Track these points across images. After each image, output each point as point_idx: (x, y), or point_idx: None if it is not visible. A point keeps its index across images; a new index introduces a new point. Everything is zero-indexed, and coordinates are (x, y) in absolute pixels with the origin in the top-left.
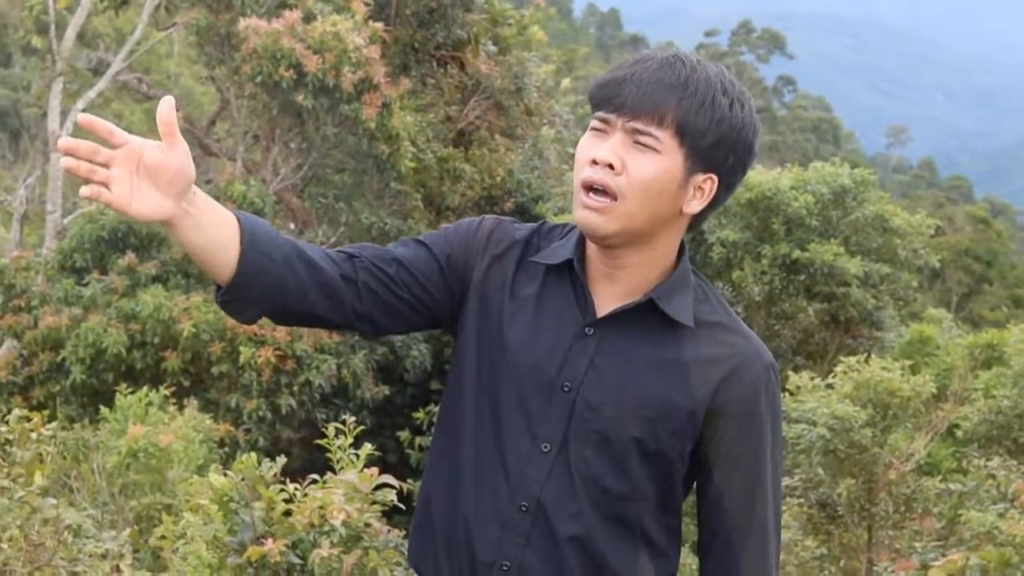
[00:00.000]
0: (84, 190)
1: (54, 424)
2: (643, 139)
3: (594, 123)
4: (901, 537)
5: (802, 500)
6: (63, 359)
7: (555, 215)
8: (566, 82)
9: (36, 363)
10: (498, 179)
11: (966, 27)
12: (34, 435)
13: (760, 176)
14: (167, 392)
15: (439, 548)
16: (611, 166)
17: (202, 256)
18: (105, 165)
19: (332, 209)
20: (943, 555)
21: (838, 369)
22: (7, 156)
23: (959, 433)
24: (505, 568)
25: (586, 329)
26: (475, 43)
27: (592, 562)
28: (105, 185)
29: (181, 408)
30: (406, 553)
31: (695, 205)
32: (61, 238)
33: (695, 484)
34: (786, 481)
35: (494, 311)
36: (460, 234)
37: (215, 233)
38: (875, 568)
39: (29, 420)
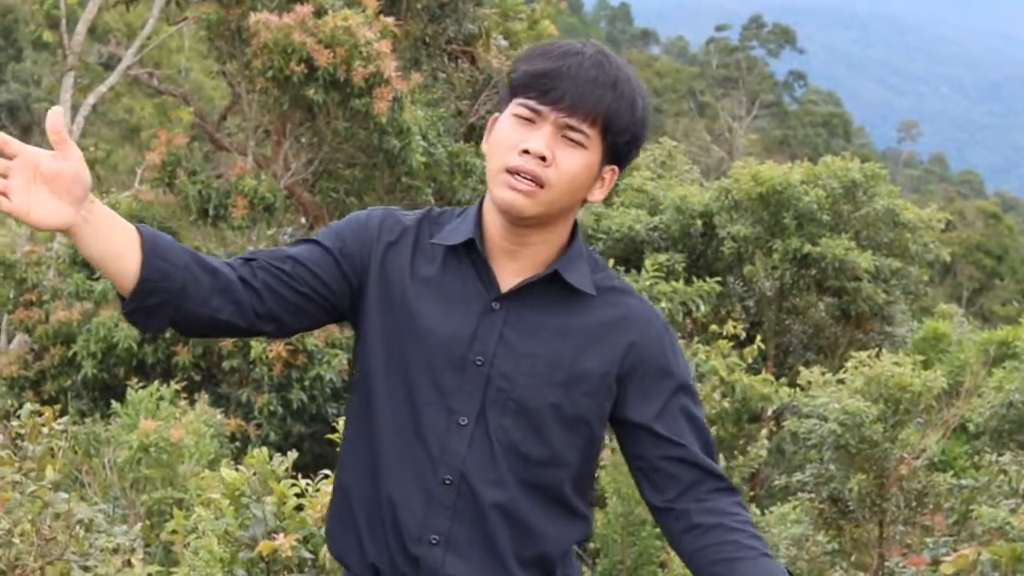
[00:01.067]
0: None
1: (65, 419)
2: (573, 135)
3: (521, 110)
4: (912, 532)
5: (813, 495)
6: (74, 354)
7: None
8: None
9: (47, 358)
10: None
11: (975, 21)
12: (45, 430)
13: (771, 171)
14: (178, 387)
15: (363, 533)
16: (543, 158)
17: (105, 264)
18: (3, 175)
19: (343, 204)
20: (954, 550)
21: (849, 364)
22: None
23: (971, 428)
24: (434, 542)
25: (493, 304)
26: (486, 37)
27: (517, 528)
28: (4, 194)
29: (192, 403)
30: (327, 547)
31: (598, 194)
32: None
33: (629, 443)
34: (797, 476)
35: (396, 296)
36: (351, 227)
37: (116, 240)
38: (886, 563)
39: (40, 415)
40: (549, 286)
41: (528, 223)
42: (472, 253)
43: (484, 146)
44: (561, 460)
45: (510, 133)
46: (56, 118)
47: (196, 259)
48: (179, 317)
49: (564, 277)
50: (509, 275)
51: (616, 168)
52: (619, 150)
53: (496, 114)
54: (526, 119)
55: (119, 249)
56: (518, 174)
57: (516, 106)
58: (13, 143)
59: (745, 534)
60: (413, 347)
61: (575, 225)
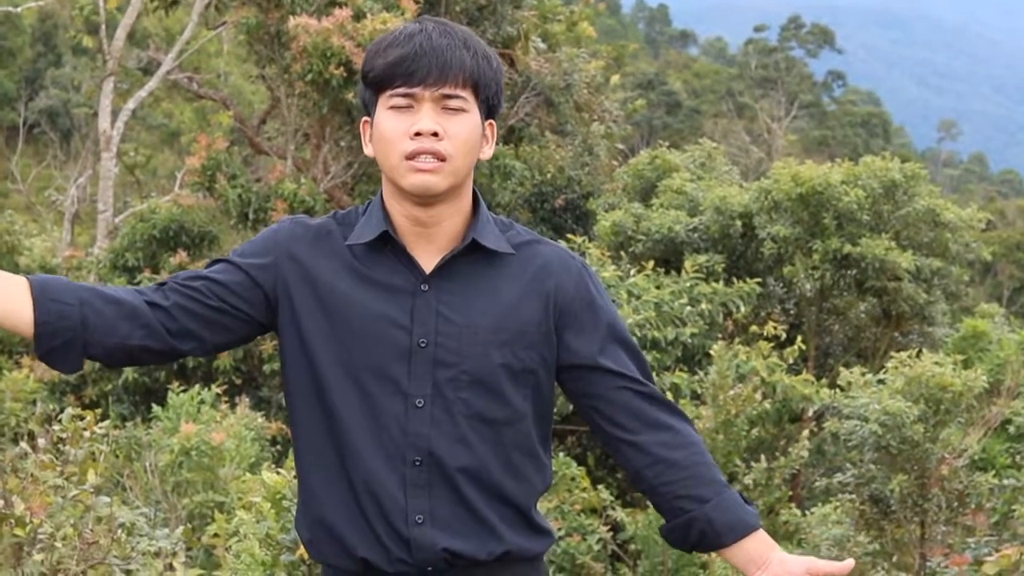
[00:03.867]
0: None
1: (107, 423)
2: (452, 103)
3: (395, 100)
4: (954, 532)
5: (854, 496)
6: None
7: (605, 211)
8: (615, 78)
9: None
10: (548, 176)
11: (1017, 22)
12: (87, 434)
13: (810, 171)
14: (219, 390)
15: (343, 530)
16: (435, 134)
17: (3, 321)
18: None
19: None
20: (996, 550)
21: (889, 364)
22: (59, 156)
23: (1012, 428)
24: (419, 521)
25: (422, 286)
26: (525, 40)
27: (492, 491)
28: None
29: (233, 406)
30: (307, 552)
31: (488, 151)
32: (113, 237)
33: (580, 384)
34: (838, 477)
35: (326, 296)
36: (262, 240)
37: (5, 295)
38: (928, 564)
39: (82, 419)
40: (470, 255)
41: (439, 199)
42: (389, 244)
43: (367, 149)
44: (520, 414)
45: (394, 124)
46: None
47: (95, 293)
48: (92, 352)
49: (482, 243)
50: (427, 256)
51: (492, 122)
52: (491, 103)
53: (366, 118)
54: (403, 108)
55: (10, 304)
56: (417, 156)
57: (389, 99)
58: None
59: (704, 465)
60: (353, 343)
61: (475, 193)
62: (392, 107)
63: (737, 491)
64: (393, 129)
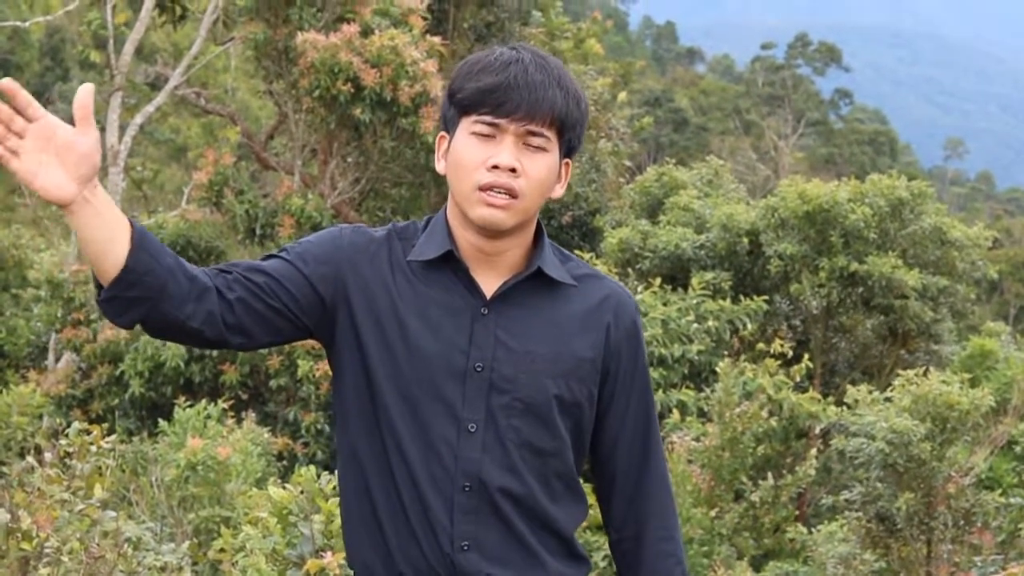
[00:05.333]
0: None
1: (113, 437)
2: (535, 140)
3: (479, 127)
4: (960, 551)
5: (860, 514)
6: (122, 372)
7: (612, 228)
8: (622, 95)
9: (95, 376)
10: None
11: (1021, 40)
12: (93, 448)
13: (817, 189)
14: (225, 405)
15: (391, 544)
16: (513, 170)
17: (95, 247)
18: (19, 134)
19: (390, 223)
20: (1003, 569)
21: (896, 383)
22: None
23: (1018, 448)
24: (465, 547)
25: (482, 310)
26: None
27: (538, 520)
28: (15, 153)
29: (239, 421)
30: (355, 563)
31: (559, 190)
32: None
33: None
34: (844, 495)
35: (384, 311)
36: (325, 247)
37: (110, 226)
38: None
39: (88, 433)
40: (531, 283)
41: (504, 234)
42: (451, 263)
43: (439, 165)
44: (565, 444)
45: (473, 151)
46: (85, 95)
47: (178, 263)
48: (152, 315)
49: (547, 272)
50: (489, 279)
51: (569, 161)
52: (572, 144)
53: (443, 133)
54: (486, 136)
55: (111, 234)
56: (491, 190)
57: (472, 124)
58: (35, 106)
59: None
60: (409, 363)
61: (539, 225)
62: (474, 133)
63: None
64: (471, 157)
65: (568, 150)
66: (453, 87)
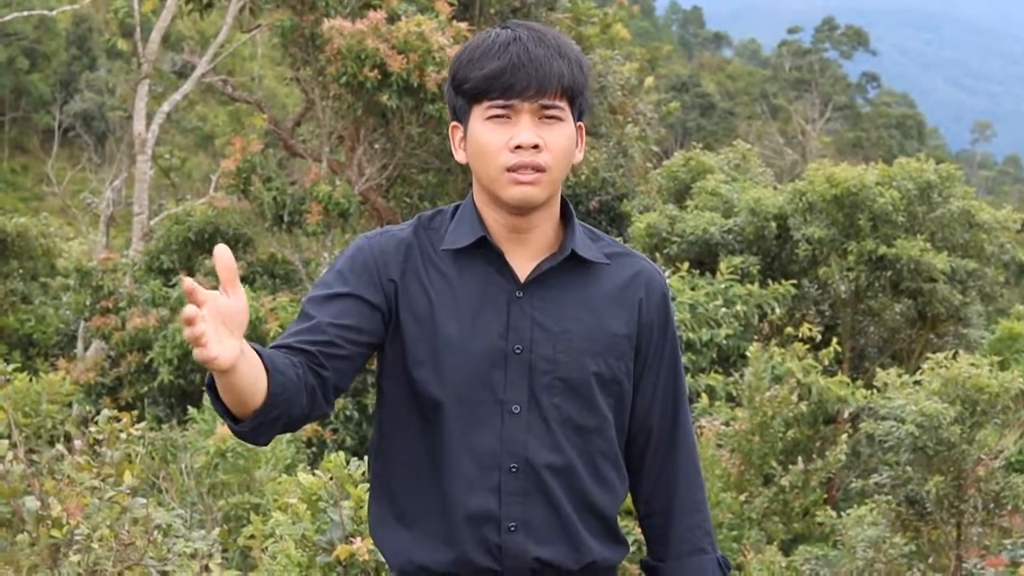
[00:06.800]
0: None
1: (143, 424)
2: (551, 112)
3: (493, 111)
4: (990, 534)
5: (890, 497)
6: (151, 360)
7: (640, 213)
8: (649, 80)
9: (124, 364)
10: (582, 177)
11: None
12: (123, 435)
13: (845, 172)
14: None
15: (440, 538)
16: (536, 146)
17: (248, 386)
18: (191, 320)
19: (417, 209)
20: None
21: (925, 366)
22: (93, 159)
23: None
24: (512, 529)
25: (517, 293)
26: None
27: (581, 500)
28: (202, 344)
29: None
30: (398, 558)
31: (579, 155)
32: (148, 240)
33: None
34: (874, 478)
35: (423, 309)
36: (359, 266)
37: (252, 362)
38: (964, 565)
39: (118, 420)
40: (564, 264)
41: (538, 208)
42: (483, 249)
43: (458, 155)
44: (607, 422)
45: (493, 136)
46: (227, 257)
47: (282, 362)
48: (289, 426)
49: (581, 254)
50: (522, 261)
51: (582, 124)
52: (582, 107)
53: (455, 124)
54: (502, 118)
55: (259, 372)
56: (519, 169)
57: (486, 110)
58: (200, 292)
59: (688, 525)
60: (450, 352)
61: (563, 199)
62: (489, 118)
63: (717, 557)
64: (492, 141)
65: (579, 114)
66: (457, 77)
